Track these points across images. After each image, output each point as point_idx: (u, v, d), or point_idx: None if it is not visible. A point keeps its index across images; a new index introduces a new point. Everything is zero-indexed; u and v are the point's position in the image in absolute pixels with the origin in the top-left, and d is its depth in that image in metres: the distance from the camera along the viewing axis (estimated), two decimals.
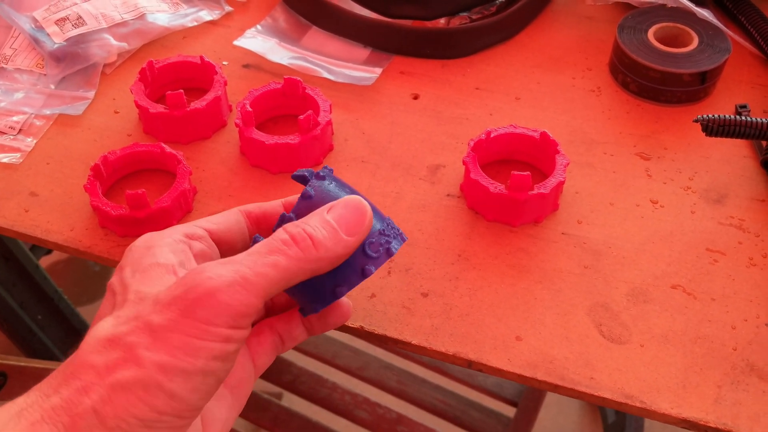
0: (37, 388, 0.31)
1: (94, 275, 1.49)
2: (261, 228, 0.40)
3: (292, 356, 1.07)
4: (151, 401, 0.29)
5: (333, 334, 1.10)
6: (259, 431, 1.16)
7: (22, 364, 0.78)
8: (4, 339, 1.11)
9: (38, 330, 1.13)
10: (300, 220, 0.34)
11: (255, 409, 1.00)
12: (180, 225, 0.38)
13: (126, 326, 0.31)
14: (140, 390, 0.29)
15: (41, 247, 1.34)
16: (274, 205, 0.40)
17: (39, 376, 0.57)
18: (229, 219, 0.39)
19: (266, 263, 0.32)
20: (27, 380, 0.77)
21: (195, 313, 0.30)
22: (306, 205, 0.36)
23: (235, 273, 0.31)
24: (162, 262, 0.34)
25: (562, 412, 1.30)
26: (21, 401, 0.30)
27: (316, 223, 0.34)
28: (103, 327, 0.32)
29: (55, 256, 1.47)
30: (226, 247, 0.39)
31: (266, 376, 1.04)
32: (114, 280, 0.35)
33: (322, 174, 0.37)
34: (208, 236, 0.38)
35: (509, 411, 0.99)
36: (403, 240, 0.38)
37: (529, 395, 0.99)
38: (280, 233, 0.33)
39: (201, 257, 0.37)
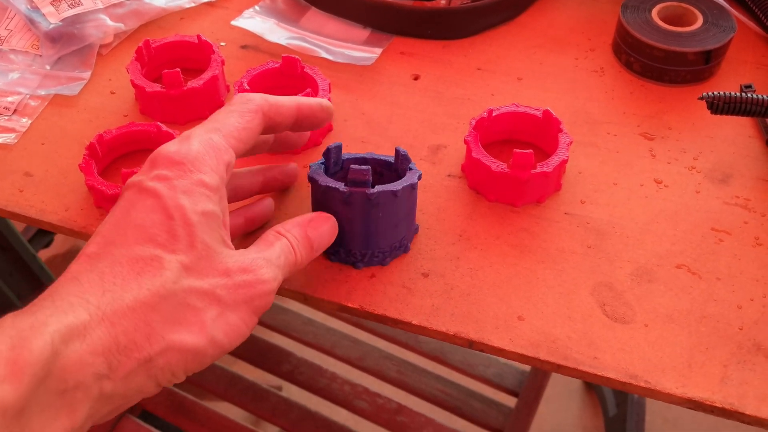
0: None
1: None
2: (269, 124, 0.41)
3: (291, 346, 1.06)
4: (187, 363, 0.34)
5: (332, 324, 1.09)
6: (259, 422, 1.15)
7: None
8: None
9: None
10: (297, 229, 0.40)
11: (254, 399, 0.99)
12: (221, 137, 0.38)
13: (210, 283, 0.34)
14: (190, 354, 0.33)
15: (39, 240, 1.33)
16: (288, 105, 0.41)
17: None
18: (252, 135, 0.39)
19: (285, 270, 0.39)
20: None
21: (253, 303, 0.36)
22: (392, 204, 0.42)
23: (277, 282, 0.38)
24: (218, 212, 0.36)
25: (563, 407, 1.30)
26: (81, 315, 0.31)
27: (299, 241, 0.39)
28: (175, 277, 0.33)
29: (54, 249, 1.46)
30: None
31: (265, 366, 1.03)
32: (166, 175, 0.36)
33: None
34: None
35: (510, 401, 0.98)
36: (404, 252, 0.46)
37: (529, 385, 0.98)
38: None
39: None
